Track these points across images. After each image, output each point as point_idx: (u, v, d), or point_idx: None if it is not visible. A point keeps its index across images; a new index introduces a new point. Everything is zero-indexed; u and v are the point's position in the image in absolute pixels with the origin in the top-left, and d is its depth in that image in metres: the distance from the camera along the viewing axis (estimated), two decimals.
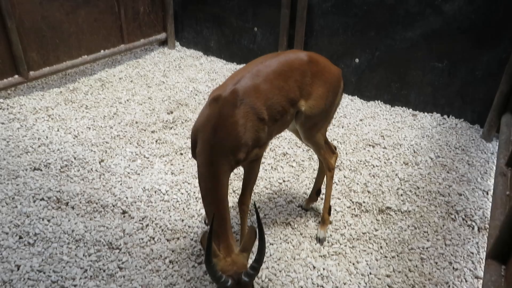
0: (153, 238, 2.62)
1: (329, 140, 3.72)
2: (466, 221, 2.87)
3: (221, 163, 1.99)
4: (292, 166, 3.37)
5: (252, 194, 3.00)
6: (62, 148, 3.41)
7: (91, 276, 2.33)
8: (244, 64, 5.17)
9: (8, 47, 3.95)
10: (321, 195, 2.95)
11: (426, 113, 4.24)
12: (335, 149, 2.69)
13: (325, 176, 2.67)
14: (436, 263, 2.54)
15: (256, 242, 1.88)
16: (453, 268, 2.51)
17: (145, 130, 3.76)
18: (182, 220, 2.77)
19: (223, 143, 1.99)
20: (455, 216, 2.91)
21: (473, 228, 2.82)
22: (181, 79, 4.80)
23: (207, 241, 1.69)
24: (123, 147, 3.50)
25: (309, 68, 2.28)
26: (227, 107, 2.00)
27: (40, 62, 4.28)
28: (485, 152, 3.65)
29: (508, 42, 3.59)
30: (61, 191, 2.93)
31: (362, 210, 2.95)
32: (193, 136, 2.12)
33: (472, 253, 2.62)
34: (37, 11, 4.10)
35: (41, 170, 3.15)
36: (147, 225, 2.71)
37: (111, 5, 4.76)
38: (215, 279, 1.77)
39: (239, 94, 2.04)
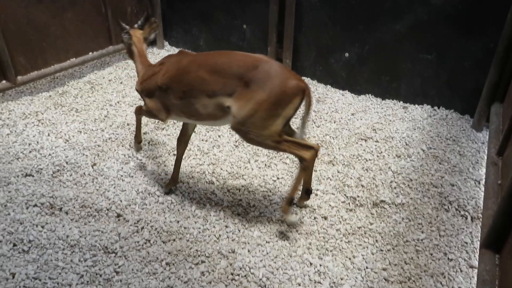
0: (149, 241, 2.61)
1: (322, 135, 3.73)
2: (459, 211, 2.90)
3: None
4: (286, 163, 3.38)
5: (247, 191, 3.01)
6: (53, 153, 3.38)
7: (87, 282, 2.32)
8: None
9: None
10: (313, 193, 2.97)
11: (416, 105, 4.26)
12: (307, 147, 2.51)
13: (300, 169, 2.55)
14: (431, 254, 2.56)
15: None
16: (448, 258, 2.54)
17: None
18: (178, 222, 2.76)
19: None
20: (448, 206, 2.94)
21: (466, 218, 2.85)
22: None
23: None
24: (115, 150, 3.48)
25: (252, 74, 2.29)
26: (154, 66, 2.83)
27: (27, 67, 4.23)
28: (475, 142, 3.69)
29: (494, 31, 3.62)
30: (54, 196, 2.90)
31: (357, 204, 2.96)
32: None
33: (466, 243, 2.65)
34: (22, 15, 4.04)
35: (33, 176, 3.12)
36: (142, 228, 2.70)
37: (98, 6, 4.71)
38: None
39: (164, 62, 2.72)
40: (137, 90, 2.89)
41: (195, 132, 3.76)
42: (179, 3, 5.32)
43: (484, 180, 3.10)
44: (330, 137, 3.73)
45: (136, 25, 3.13)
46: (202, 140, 3.65)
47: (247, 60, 2.34)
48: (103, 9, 4.76)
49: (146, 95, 2.77)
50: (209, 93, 2.38)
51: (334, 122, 3.96)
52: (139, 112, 2.95)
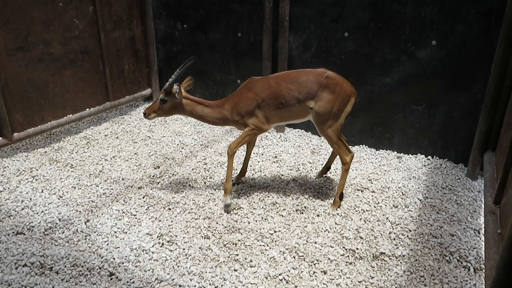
0: None
1: (318, 186, 3.73)
2: (461, 262, 2.84)
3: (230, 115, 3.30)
4: (282, 216, 3.33)
5: (244, 246, 2.95)
6: (46, 209, 3.32)
7: None
8: None
9: None
10: (329, 172, 3.81)
11: (410, 155, 4.31)
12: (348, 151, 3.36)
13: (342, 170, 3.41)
14: None
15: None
16: None
17: (131, 187, 3.71)
18: (172, 279, 2.67)
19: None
20: (449, 257, 2.88)
21: (469, 269, 2.78)
22: (167, 133, 4.82)
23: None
24: (109, 205, 3.43)
25: (324, 80, 3.16)
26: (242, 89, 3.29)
27: (24, 123, 4.26)
28: (471, 191, 3.68)
29: (481, 83, 3.75)
30: (45, 255, 2.82)
31: (356, 257, 2.89)
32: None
33: None
34: (22, 73, 4.14)
35: (24, 234, 3.05)
36: (135, 287, 2.60)
37: (96, 64, 4.85)
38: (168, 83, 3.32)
39: (252, 84, 3.26)
40: (234, 121, 3.31)
41: (190, 186, 3.74)
42: (175, 60, 5.50)
43: (483, 229, 3.06)
44: (326, 188, 3.72)
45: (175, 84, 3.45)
46: (197, 194, 3.63)
47: (318, 72, 3.20)
48: (101, 67, 4.91)
49: (248, 116, 3.25)
50: (300, 100, 3.18)
51: (330, 173, 3.97)
52: (236, 146, 3.26)
